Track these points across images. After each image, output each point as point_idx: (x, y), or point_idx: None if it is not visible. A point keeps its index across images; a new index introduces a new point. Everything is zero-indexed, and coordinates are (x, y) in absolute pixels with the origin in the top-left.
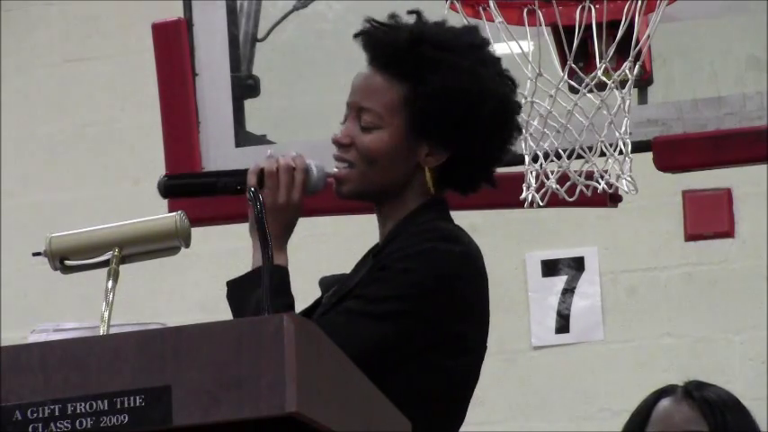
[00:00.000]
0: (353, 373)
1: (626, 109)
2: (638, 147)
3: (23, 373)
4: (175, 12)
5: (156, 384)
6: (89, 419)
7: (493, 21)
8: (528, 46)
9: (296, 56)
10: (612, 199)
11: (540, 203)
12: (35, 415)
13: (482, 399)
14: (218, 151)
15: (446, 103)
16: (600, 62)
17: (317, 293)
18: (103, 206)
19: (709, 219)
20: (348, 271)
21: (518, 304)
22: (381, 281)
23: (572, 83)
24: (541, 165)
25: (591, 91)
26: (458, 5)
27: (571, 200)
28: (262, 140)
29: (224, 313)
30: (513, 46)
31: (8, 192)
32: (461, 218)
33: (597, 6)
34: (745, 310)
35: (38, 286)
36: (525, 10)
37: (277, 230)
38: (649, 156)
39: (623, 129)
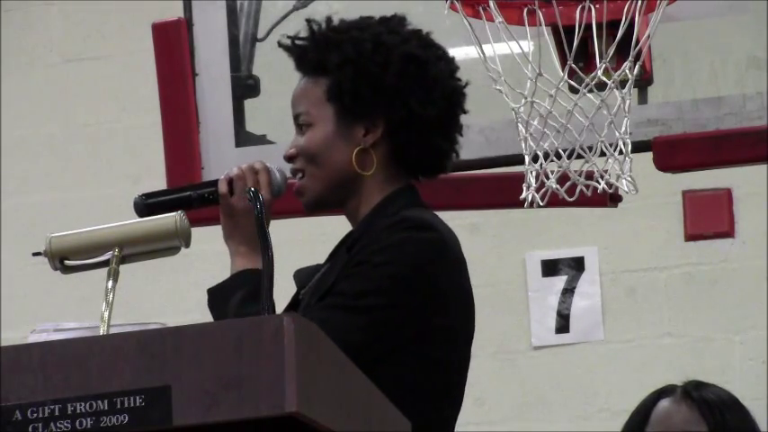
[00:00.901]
0: (353, 373)
1: (626, 109)
2: (638, 147)
3: (23, 373)
4: (175, 12)
5: (156, 384)
6: (89, 419)
7: (493, 21)
8: (528, 46)
9: None
10: (612, 199)
11: (540, 203)
12: (35, 415)
13: (482, 399)
14: (218, 151)
15: (352, 74)
16: (600, 62)
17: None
18: (103, 206)
19: (709, 219)
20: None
21: (518, 304)
22: (358, 276)
23: (572, 83)
24: (541, 165)
25: (591, 91)
26: (458, 5)
27: (571, 200)
28: (262, 140)
29: None
30: (513, 46)
31: (8, 192)
32: (462, 218)
33: (597, 6)
34: (745, 310)
35: (38, 286)
36: (525, 10)
37: (251, 232)
38: (649, 156)
39: (623, 129)
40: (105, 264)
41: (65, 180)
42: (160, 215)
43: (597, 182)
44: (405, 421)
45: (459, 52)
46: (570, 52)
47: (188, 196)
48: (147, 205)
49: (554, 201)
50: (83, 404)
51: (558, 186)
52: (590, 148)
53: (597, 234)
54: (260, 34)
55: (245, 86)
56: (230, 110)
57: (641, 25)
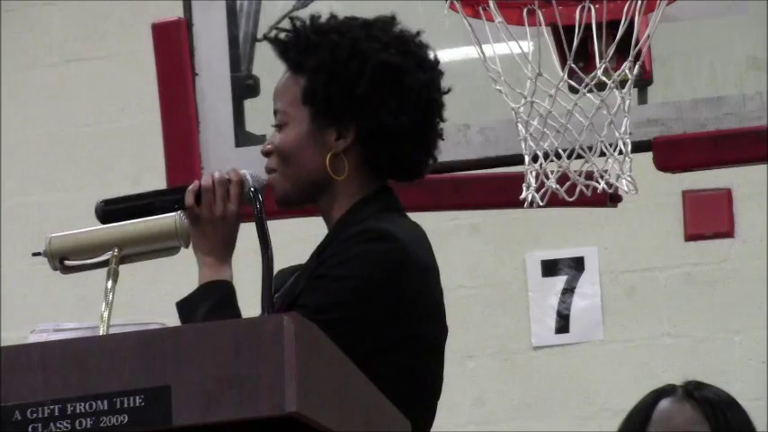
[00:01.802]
0: (353, 373)
1: (626, 109)
2: (638, 147)
3: (23, 373)
4: (175, 12)
5: (155, 384)
6: (89, 419)
7: (493, 21)
8: (528, 46)
9: None
10: (612, 199)
11: (540, 203)
12: (35, 415)
13: (482, 399)
14: (218, 151)
15: (326, 80)
16: (600, 62)
17: None
18: None
19: (709, 219)
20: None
21: (518, 304)
22: (318, 290)
23: (572, 83)
24: (541, 165)
25: (591, 91)
26: (458, 5)
27: (571, 200)
28: (262, 140)
29: None
30: (513, 46)
31: (8, 192)
32: (462, 218)
33: (597, 6)
34: (745, 310)
35: (38, 286)
36: (525, 10)
37: (218, 243)
38: (649, 156)
39: (623, 129)
40: (105, 264)
41: (65, 180)
42: (160, 215)
43: (597, 182)
44: (405, 421)
45: (459, 52)
46: (570, 52)
47: (151, 204)
48: (105, 212)
49: (554, 201)
50: (83, 404)
51: (557, 186)
52: (590, 148)
53: (597, 234)
54: (260, 34)
55: (245, 86)
56: (230, 110)
57: (641, 25)
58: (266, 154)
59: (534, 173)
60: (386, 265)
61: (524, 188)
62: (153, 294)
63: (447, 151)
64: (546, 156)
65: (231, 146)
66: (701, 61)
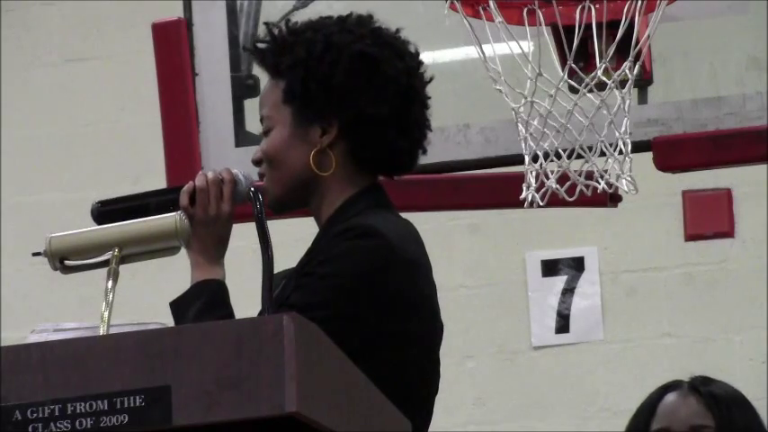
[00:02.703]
0: (353, 373)
1: (626, 109)
2: (638, 147)
3: (23, 373)
4: (175, 12)
5: (156, 384)
6: (89, 419)
7: (493, 21)
8: (528, 46)
9: None
10: (612, 199)
11: (540, 203)
12: (35, 415)
13: (482, 399)
14: (218, 151)
15: (303, 75)
16: (600, 62)
17: None
18: None
19: (709, 219)
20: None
21: (518, 304)
22: (304, 288)
23: (572, 83)
24: (541, 165)
25: (591, 91)
26: (458, 5)
27: (571, 200)
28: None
29: None
30: (513, 46)
31: (8, 192)
32: (462, 218)
33: (597, 6)
34: (745, 310)
35: (38, 286)
36: (525, 10)
37: (210, 243)
38: (649, 156)
39: (623, 129)
40: (105, 264)
41: (65, 180)
42: (160, 215)
43: (597, 182)
44: (405, 421)
45: (459, 52)
46: (570, 52)
47: (146, 204)
48: (100, 213)
49: (554, 201)
50: (83, 404)
51: (558, 186)
52: (590, 148)
53: (597, 234)
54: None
55: (245, 86)
56: (230, 110)
57: (641, 25)
58: (257, 162)
59: (534, 173)
60: (371, 261)
61: (524, 188)
62: (153, 294)
63: (447, 151)
64: (546, 156)
65: (231, 146)
66: (701, 61)
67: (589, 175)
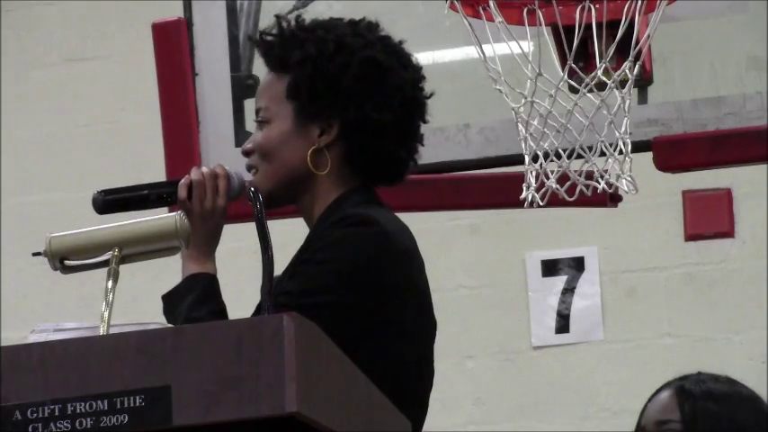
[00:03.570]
0: (354, 373)
1: (626, 109)
2: (638, 147)
3: (23, 373)
4: (175, 12)
5: (156, 384)
6: (89, 419)
7: (493, 21)
8: (528, 46)
9: None
10: (612, 199)
11: (540, 203)
12: (35, 415)
13: (482, 399)
14: (218, 151)
15: (310, 73)
16: (600, 62)
17: None
18: None
19: (709, 219)
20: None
21: (518, 304)
22: (301, 275)
23: (572, 83)
24: (541, 165)
25: (591, 91)
26: (458, 5)
27: (571, 200)
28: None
29: None
30: (513, 46)
31: (8, 192)
32: (462, 218)
33: (597, 6)
34: (745, 310)
35: (38, 286)
36: (525, 10)
37: (205, 236)
38: (649, 156)
39: (623, 129)
40: (105, 264)
41: (65, 180)
42: (160, 216)
43: (597, 182)
44: (405, 421)
45: (459, 52)
46: (570, 52)
47: (145, 195)
48: (105, 202)
49: (554, 201)
50: (83, 404)
51: (558, 186)
52: (590, 148)
53: (597, 234)
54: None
55: (245, 86)
56: (230, 110)
57: (641, 25)
58: (247, 153)
59: (534, 173)
60: (367, 247)
61: (524, 188)
62: (153, 294)
63: (447, 151)
64: (546, 156)
65: (231, 146)
66: (701, 61)
67: (589, 175)
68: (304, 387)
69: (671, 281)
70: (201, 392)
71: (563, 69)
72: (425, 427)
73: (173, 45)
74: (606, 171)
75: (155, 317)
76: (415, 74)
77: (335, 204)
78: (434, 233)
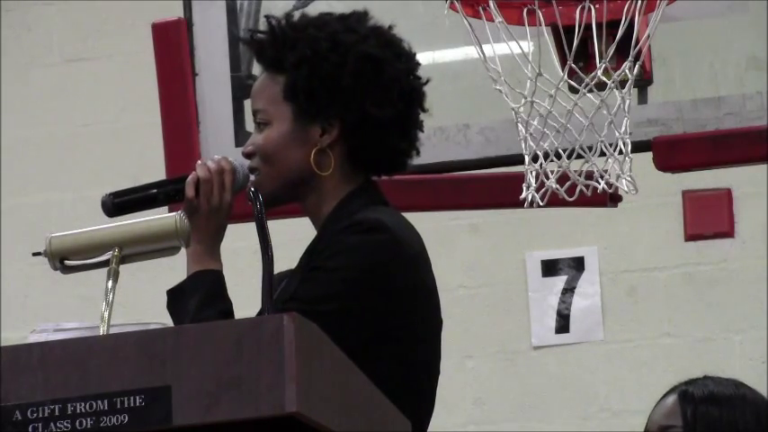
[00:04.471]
0: (354, 373)
1: (626, 109)
2: (638, 147)
3: (23, 373)
4: (175, 12)
5: (156, 384)
6: (89, 419)
7: (493, 21)
8: (528, 46)
9: None
10: (612, 199)
11: (540, 203)
12: (35, 415)
13: (482, 399)
14: (218, 151)
15: (307, 74)
16: (600, 62)
17: None
18: None
19: (709, 219)
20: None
21: (518, 304)
22: (312, 281)
23: (572, 83)
24: (541, 165)
25: (591, 91)
26: (458, 5)
27: (571, 200)
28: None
29: None
30: (513, 46)
31: (8, 192)
32: (462, 218)
33: (597, 6)
34: (745, 310)
35: (38, 286)
36: (525, 10)
37: (209, 233)
38: (649, 156)
39: (623, 129)
40: (105, 264)
41: (65, 180)
42: (160, 216)
43: (597, 182)
44: (405, 421)
45: (459, 52)
46: (570, 52)
47: (153, 195)
48: (114, 204)
49: (554, 201)
50: (83, 404)
51: (558, 186)
52: (590, 148)
53: (597, 234)
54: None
55: (245, 86)
56: (230, 110)
57: (641, 25)
58: (248, 155)
59: (534, 173)
60: (377, 255)
61: (524, 188)
62: (153, 294)
63: (447, 151)
64: (546, 156)
65: (231, 146)
66: (701, 61)
67: (589, 175)
68: (304, 387)
69: (671, 281)
70: (201, 392)
71: (563, 69)
72: None
73: (173, 45)
74: (606, 171)
75: (155, 317)
76: (409, 63)
77: (343, 204)
78: (434, 233)
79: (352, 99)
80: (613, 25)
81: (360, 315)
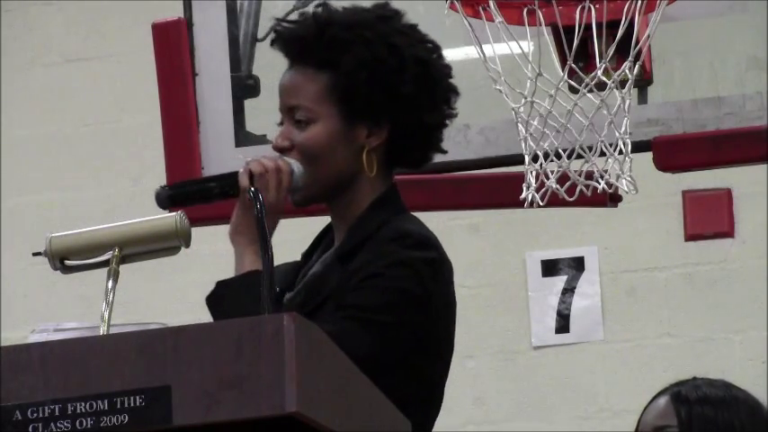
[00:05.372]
0: (353, 374)
1: (626, 109)
2: (638, 147)
3: (23, 373)
4: (175, 12)
5: (156, 384)
6: (89, 419)
7: (493, 21)
8: (528, 46)
9: None
10: (612, 199)
11: (540, 203)
12: (35, 415)
13: (482, 399)
14: (218, 151)
15: (367, 78)
16: (600, 62)
17: None
18: (103, 206)
19: (709, 219)
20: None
21: (518, 304)
22: (370, 290)
23: (572, 83)
24: (541, 165)
25: (591, 91)
26: (458, 5)
27: (571, 200)
28: (262, 140)
29: None
30: (513, 46)
31: (8, 192)
32: (462, 218)
33: (597, 6)
34: (745, 310)
35: (38, 286)
36: (525, 10)
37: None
38: (649, 156)
39: (623, 129)
40: (105, 264)
41: (65, 180)
42: (160, 216)
43: (597, 182)
44: (405, 421)
45: (459, 52)
46: (570, 52)
47: (210, 188)
48: (169, 196)
49: (554, 201)
50: (83, 404)
51: (558, 186)
52: (590, 148)
53: (597, 234)
54: (260, 34)
55: (245, 86)
56: (230, 110)
57: (641, 25)
58: (282, 150)
59: (534, 173)
60: (430, 273)
61: (524, 188)
62: (153, 294)
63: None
64: (546, 156)
65: (231, 146)
66: (701, 61)
67: (589, 175)
68: (304, 387)
69: (671, 281)
70: (201, 392)
71: (563, 69)
72: None
73: (173, 45)
74: (606, 171)
75: (155, 317)
76: (445, 61)
77: (374, 207)
78: (434, 233)
79: (408, 105)
80: (613, 25)
81: (410, 329)
